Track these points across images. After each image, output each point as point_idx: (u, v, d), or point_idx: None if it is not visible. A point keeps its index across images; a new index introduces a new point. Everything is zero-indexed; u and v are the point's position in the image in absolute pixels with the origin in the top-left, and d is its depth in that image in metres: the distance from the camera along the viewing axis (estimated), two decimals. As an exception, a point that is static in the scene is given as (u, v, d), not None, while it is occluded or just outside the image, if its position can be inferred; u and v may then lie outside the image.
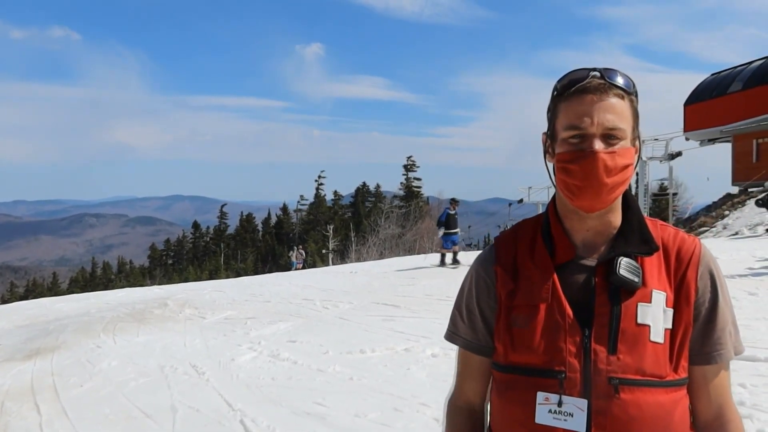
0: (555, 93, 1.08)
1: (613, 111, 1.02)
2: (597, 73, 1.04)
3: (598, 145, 1.01)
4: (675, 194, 23.05)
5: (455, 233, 13.52)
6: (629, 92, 1.05)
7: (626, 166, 1.03)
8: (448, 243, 13.51)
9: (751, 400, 3.53)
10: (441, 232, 13.53)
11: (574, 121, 1.03)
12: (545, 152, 1.13)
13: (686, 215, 25.12)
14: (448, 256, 13.64)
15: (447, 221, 13.42)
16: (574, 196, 1.05)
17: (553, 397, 1.03)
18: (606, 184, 1.02)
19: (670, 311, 1.04)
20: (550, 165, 1.12)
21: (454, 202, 14.31)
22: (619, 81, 1.04)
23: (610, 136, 1.02)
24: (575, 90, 1.04)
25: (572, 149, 1.03)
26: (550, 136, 1.10)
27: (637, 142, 1.08)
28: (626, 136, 1.03)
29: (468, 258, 13.38)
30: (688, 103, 25.40)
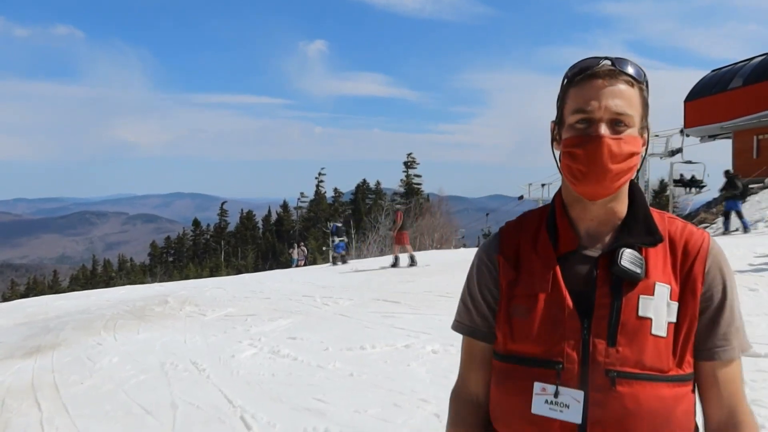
0: (565, 80, 1.08)
1: (622, 97, 1.01)
2: (608, 61, 1.04)
3: (604, 130, 1.00)
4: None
5: (342, 241, 18.89)
6: (639, 81, 1.04)
7: (632, 154, 1.02)
8: (338, 248, 18.62)
9: (752, 396, 3.53)
10: (337, 239, 18.69)
11: (582, 105, 1.02)
12: (552, 140, 1.13)
13: (686, 211, 25.11)
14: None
15: (337, 232, 19.16)
16: (578, 182, 1.04)
17: (550, 388, 1.02)
18: (610, 170, 1.00)
19: (675, 305, 1.02)
20: (557, 153, 1.11)
21: (341, 217, 21.33)
22: (630, 69, 1.03)
23: (617, 122, 1.01)
24: (584, 75, 1.03)
25: (578, 134, 1.03)
26: (558, 123, 1.10)
27: (645, 133, 1.07)
28: (634, 123, 1.02)
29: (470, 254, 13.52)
30: (689, 99, 25.36)
